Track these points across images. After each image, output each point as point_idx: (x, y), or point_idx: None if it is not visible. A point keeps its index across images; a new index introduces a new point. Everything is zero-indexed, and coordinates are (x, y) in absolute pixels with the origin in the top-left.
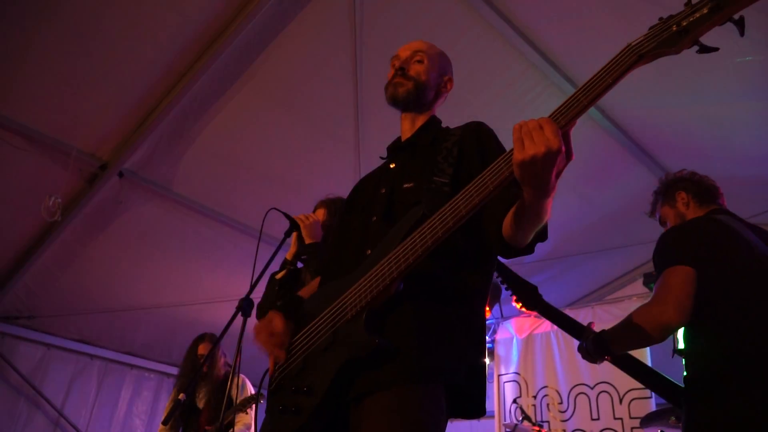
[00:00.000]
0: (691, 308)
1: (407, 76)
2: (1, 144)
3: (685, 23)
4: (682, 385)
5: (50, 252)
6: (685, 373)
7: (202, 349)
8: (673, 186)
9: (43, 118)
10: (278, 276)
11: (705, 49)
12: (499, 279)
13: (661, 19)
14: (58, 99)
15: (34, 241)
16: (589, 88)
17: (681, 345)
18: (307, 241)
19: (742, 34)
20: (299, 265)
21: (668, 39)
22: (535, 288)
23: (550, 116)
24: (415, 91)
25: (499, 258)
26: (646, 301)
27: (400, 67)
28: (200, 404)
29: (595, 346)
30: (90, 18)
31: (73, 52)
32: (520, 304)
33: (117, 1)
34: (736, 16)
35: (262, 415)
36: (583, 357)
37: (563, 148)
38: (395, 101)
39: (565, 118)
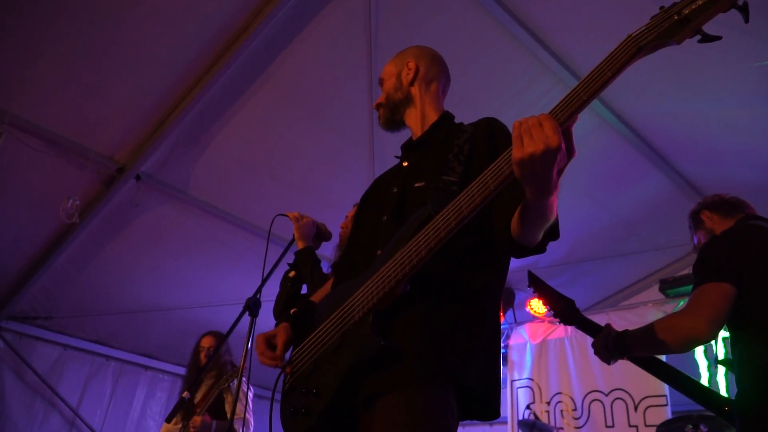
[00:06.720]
0: (722, 326)
1: (379, 107)
2: (20, 146)
3: (686, 11)
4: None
5: (68, 253)
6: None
7: (206, 342)
8: (698, 209)
9: (61, 121)
10: (291, 274)
11: (707, 38)
12: (536, 294)
13: (662, 8)
14: (76, 102)
15: (52, 242)
16: (589, 82)
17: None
18: (299, 244)
19: (746, 20)
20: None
21: (669, 29)
22: (572, 302)
23: (550, 112)
24: (388, 110)
25: (532, 271)
26: (662, 307)
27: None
28: (197, 398)
29: (616, 344)
30: (108, 22)
31: (91, 55)
32: (559, 320)
33: (135, 5)
34: (740, 2)
35: (277, 417)
36: (596, 352)
37: (563, 146)
38: (389, 129)
39: (564, 114)
